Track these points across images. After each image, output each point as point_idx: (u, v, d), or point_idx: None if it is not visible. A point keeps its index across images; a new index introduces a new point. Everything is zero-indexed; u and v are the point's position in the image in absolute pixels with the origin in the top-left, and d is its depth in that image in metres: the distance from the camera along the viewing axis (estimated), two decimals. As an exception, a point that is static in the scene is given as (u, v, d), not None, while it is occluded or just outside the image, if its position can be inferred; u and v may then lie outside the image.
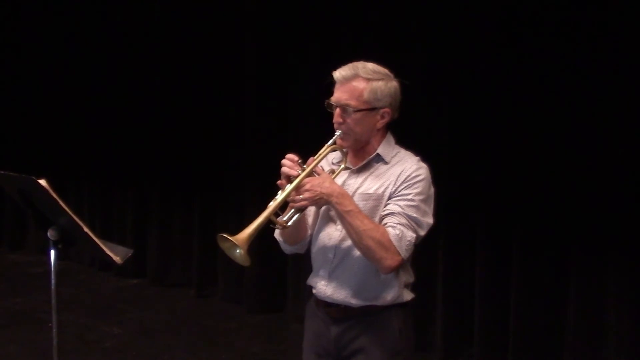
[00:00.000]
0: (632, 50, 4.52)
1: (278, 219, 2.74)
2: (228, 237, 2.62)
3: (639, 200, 4.56)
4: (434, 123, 5.31)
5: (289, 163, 2.73)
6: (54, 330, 3.17)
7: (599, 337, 4.75)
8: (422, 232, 2.75)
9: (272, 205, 2.69)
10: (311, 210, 2.92)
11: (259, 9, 6.28)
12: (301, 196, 2.69)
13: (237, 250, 2.64)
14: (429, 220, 2.77)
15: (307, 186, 2.69)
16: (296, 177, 2.71)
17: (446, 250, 5.34)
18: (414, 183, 2.74)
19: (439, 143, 5.25)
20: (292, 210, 2.76)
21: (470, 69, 5.12)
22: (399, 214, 2.70)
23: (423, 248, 5.08)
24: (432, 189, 2.80)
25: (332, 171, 2.85)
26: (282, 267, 6.26)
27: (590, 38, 4.63)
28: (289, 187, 2.70)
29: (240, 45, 6.46)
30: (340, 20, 5.77)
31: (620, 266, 4.66)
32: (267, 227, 2.78)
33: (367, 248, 2.66)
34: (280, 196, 2.71)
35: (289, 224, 2.77)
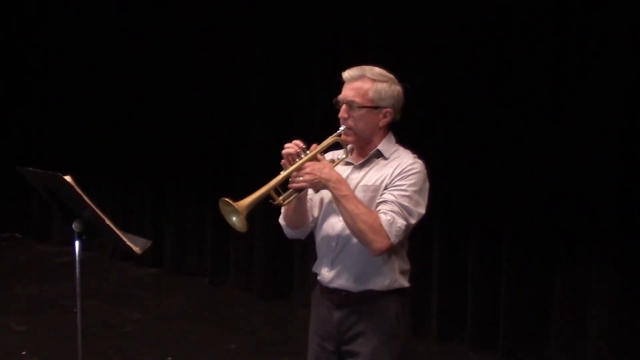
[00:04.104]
0: (613, 53, 4.52)
1: (279, 197, 2.77)
2: (230, 202, 2.68)
3: (621, 196, 4.57)
4: (431, 122, 5.30)
5: (293, 146, 2.77)
6: (78, 315, 3.19)
7: (583, 323, 4.76)
8: (413, 221, 2.75)
9: (273, 181, 2.73)
10: (316, 202, 2.94)
11: (268, 13, 6.27)
12: (301, 177, 2.72)
13: (236, 217, 2.69)
14: (421, 210, 2.77)
15: (308, 169, 2.72)
16: (299, 159, 2.75)
17: (441, 241, 5.33)
18: (409, 175, 2.76)
19: (436, 141, 5.25)
20: (291, 190, 2.78)
21: (465, 71, 5.11)
22: (392, 202, 2.72)
23: (420, 239, 5.12)
24: (427, 183, 2.82)
25: (333, 161, 2.87)
26: (290, 257, 6.26)
27: (578, 40, 4.63)
28: (291, 167, 2.74)
29: (249, 48, 6.46)
30: (342, 24, 5.77)
31: (603, 257, 4.66)
32: (276, 221, 2.81)
33: (360, 230, 2.69)
34: (281, 174, 2.74)
35: (286, 202, 2.80)
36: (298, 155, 2.76)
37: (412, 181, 2.75)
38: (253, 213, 2.72)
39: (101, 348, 5.23)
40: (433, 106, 5.28)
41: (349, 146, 2.89)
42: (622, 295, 4.60)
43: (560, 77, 4.72)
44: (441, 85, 5.25)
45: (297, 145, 2.77)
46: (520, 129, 4.90)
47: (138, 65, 7.37)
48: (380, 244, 2.69)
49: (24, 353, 5.22)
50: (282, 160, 2.78)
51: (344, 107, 2.82)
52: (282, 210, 2.92)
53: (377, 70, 2.83)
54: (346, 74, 2.83)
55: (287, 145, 2.78)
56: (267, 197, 2.74)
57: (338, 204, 2.73)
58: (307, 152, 2.77)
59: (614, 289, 4.62)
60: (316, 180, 2.71)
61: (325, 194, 2.86)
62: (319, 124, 5.50)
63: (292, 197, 2.80)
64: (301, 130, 5.66)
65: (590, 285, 4.72)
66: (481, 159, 5.09)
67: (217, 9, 6.64)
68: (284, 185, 2.77)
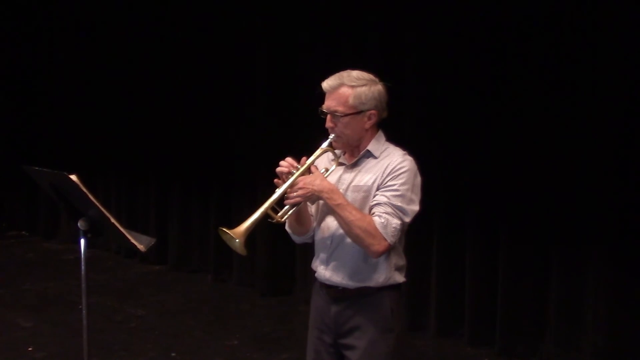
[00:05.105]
0: (611, 51, 4.52)
1: (277, 214, 2.80)
2: (226, 231, 2.71)
3: (617, 194, 4.56)
4: (430, 120, 5.30)
5: (286, 164, 2.80)
6: (84, 311, 3.19)
7: (579, 319, 4.76)
8: (408, 219, 2.77)
9: (268, 202, 2.75)
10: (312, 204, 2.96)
11: (271, 14, 6.27)
12: (295, 193, 2.74)
13: (236, 241, 2.71)
14: (415, 207, 2.79)
15: (300, 184, 2.75)
16: (292, 175, 2.77)
17: (439, 238, 5.33)
18: (399, 174, 2.77)
19: (434, 139, 5.24)
20: (287, 206, 2.80)
21: (463, 69, 5.11)
22: (385, 203, 2.74)
23: (418, 236, 5.12)
24: (419, 179, 2.82)
25: (326, 169, 2.89)
26: (291, 254, 6.26)
27: (576, 37, 4.63)
28: (284, 185, 2.76)
29: (252, 51, 6.46)
30: (343, 27, 5.77)
31: (598, 254, 4.66)
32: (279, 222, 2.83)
33: (356, 236, 2.71)
34: (275, 194, 2.76)
35: (284, 218, 2.83)
36: (290, 172, 2.78)
37: (402, 180, 2.76)
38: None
39: (106, 344, 5.23)
40: (432, 104, 5.28)
41: (338, 151, 2.91)
42: (618, 291, 4.60)
43: (558, 75, 4.72)
44: (439, 84, 5.25)
45: (288, 162, 2.80)
46: (518, 127, 4.90)
47: (142, 64, 7.37)
48: (377, 246, 2.71)
49: (30, 349, 5.23)
50: (275, 179, 2.80)
51: (328, 117, 2.84)
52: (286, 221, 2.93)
53: (354, 74, 2.82)
54: (325, 85, 2.85)
55: (281, 163, 2.80)
56: (265, 217, 2.76)
57: (333, 213, 2.77)
58: (298, 166, 2.79)
59: (610, 285, 4.62)
60: (309, 194, 2.74)
61: None
62: (321, 122, 5.49)
63: (289, 213, 2.82)
64: (304, 129, 5.70)
65: (586, 282, 4.73)
66: (479, 156, 5.09)
67: (221, 14, 6.64)
68: (279, 202, 2.79)
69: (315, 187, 2.73)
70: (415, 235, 5.16)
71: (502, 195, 5.00)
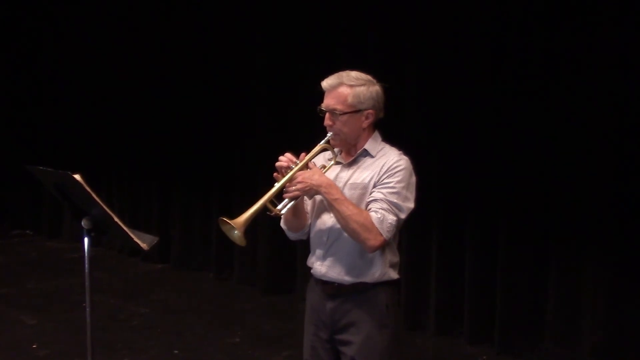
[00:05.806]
0: (609, 50, 4.52)
1: (275, 207, 2.83)
2: (227, 220, 2.76)
3: (615, 192, 4.57)
4: (429, 120, 5.29)
5: (285, 159, 2.84)
6: (88, 309, 3.19)
7: (576, 317, 4.76)
8: (403, 216, 2.81)
9: (267, 194, 2.80)
10: (309, 201, 2.99)
11: (272, 15, 6.27)
12: (294, 187, 2.78)
13: (235, 232, 2.75)
14: (410, 205, 2.83)
15: (299, 178, 2.79)
16: (291, 170, 2.81)
17: (439, 237, 5.33)
18: (395, 172, 2.81)
19: (434, 138, 5.24)
20: (286, 199, 2.84)
21: (461, 69, 5.11)
22: (382, 200, 2.78)
23: (418, 235, 5.11)
24: (414, 178, 2.87)
25: (324, 166, 2.93)
26: (292, 253, 6.25)
27: (573, 38, 4.64)
28: (283, 179, 2.80)
29: (253, 51, 6.46)
30: (342, 28, 5.77)
31: (597, 252, 4.67)
32: (278, 219, 2.88)
33: (353, 230, 2.75)
34: (275, 187, 2.81)
35: (283, 211, 2.86)
36: (289, 167, 2.82)
37: (398, 178, 2.80)
38: (252, 225, 2.75)
39: (109, 342, 5.23)
40: (431, 104, 5.28)
41: (336, 149, 2.95)
42: (616, 290, 4.61)
43: (557, 75, 4.72)
44: (438, 84, 5.24)
45: (287, 157, 2.84)
46: (517, 127, 4.89)
47: (145, 65, 7.38)
48: (373, 241, 2.75)
49: (34, 346, 5.23)
50: (275, 174, 2.84)
51: (327, 115, 2.88)
52: (282, 216, 2.95)
53: (353, 74, 2.87)
54: (325, 84, 2.89)
55: (280, 158, 2.84)
56: (264, 210, 2.80)
57: (331, 207, 2.80)
58: (298, 162, 2.83)
59: (608, 284, 4.62)
60: (307, 188, 2.78)
61: None
62: (320, 122, 5.50)
63: (288, 207, 2.86)
64: (303, 128, 5.70)
65: (584, 280, 4.73)
66: (478, 155, 5.08)
67: (221, 12, 6.64)
68: (278, 196, 2.83)
69: (313, 182, 2.77)
70: (414, 234, 5.18)
71: (501, 194, 5.00)
